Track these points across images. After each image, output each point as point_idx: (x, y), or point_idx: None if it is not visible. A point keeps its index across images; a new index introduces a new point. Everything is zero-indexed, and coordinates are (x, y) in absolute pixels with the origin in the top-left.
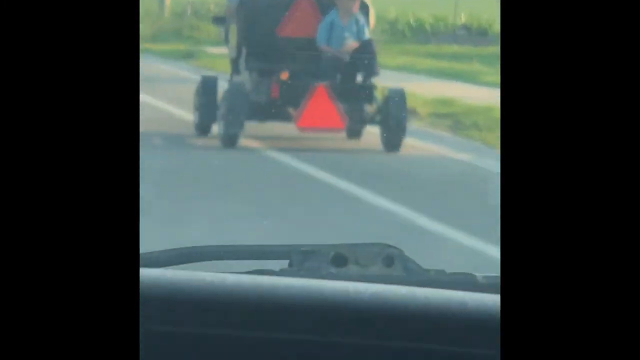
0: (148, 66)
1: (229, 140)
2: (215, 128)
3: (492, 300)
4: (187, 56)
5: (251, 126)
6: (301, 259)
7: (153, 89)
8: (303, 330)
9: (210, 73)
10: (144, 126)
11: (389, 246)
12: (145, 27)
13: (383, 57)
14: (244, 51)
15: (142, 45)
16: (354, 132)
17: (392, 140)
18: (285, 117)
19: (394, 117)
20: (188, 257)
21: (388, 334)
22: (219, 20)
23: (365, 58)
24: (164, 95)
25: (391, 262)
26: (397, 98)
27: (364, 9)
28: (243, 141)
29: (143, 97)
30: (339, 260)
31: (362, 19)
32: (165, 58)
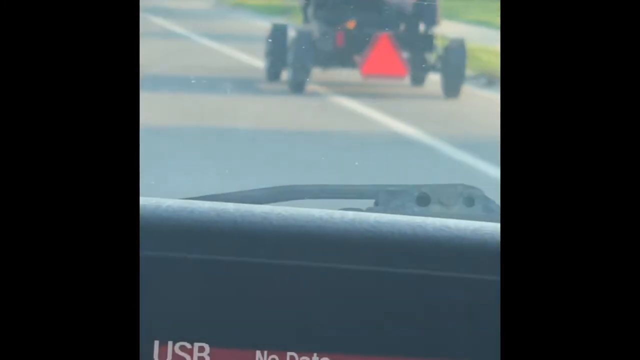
0: (243, 23)
1: (296, 86)
2: (285, 74)
3: (492, 227)
4: (283, 12)
5: (318, 72)
6: (387, 198)
7: (251, 48)
8: (304, 257)
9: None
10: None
11: (470, 187)
12: None
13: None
14: (312, 1)
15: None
16: (417, 79)
17: (452, 87)
18: (350, 65)
19: (454, 65)
20: (283, 195)
21: (388, 261)
22: None
23: (427, 8)
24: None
25: (472, 202)
26: (457, 47)
27: None
28: (310, 87)
29: (240, 55)
30: (423, 199)
31: None
32: (260, 13)
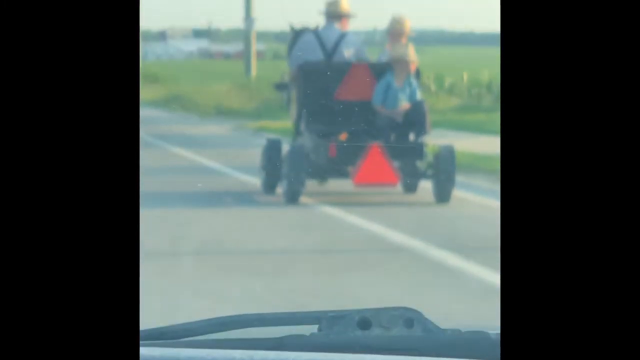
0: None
1: (292, 197)
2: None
3: None
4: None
5: (311, 183)
6: (330, 323)
7: None
8: None
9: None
10: None
11: (409, 309)
12: (242, 100)
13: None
14: (304, 114)
15: (255, 124)
16: (409, 187)
17: (443, 192)
18: (343, 175)
19: (444, 171)
20: (223, 325)
21: None
22: (280, 86)
23: (417, 118)
24: None
25: (411, 324)
26: (446, 154)
27: (417, 72)
28: (304, 198)
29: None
30: (364, 323)
31: (414, 82)
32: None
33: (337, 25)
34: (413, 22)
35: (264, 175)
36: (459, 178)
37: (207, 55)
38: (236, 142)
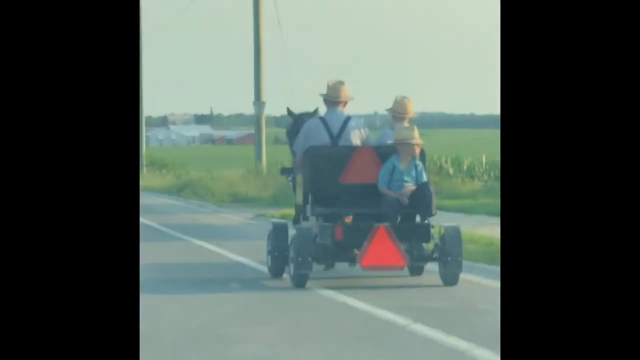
0: None
1: (299, 281)
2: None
3: None
4: None
5: (318, 266)
6: None
7: None
8: None
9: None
10: None
11: None
12: (258, 188)
13: None
14: (310, 198)
15: (275, 212)
16: (416, 269)
17: (450, 275)
18: (350, 258)
19: (451, 253)
20: None
21: None
22: (286, 170)
23: (423, 199)
24: None
25: None
26: (452, 235)
27: (422, 154)
28: (311, 282)
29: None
30: None
31: (420, 164)
32: None
33: (339, 109)
34: (417, 106)
35: (271, 259)
36: (486, 265)
37: (209, 140)
38: (258, 233)
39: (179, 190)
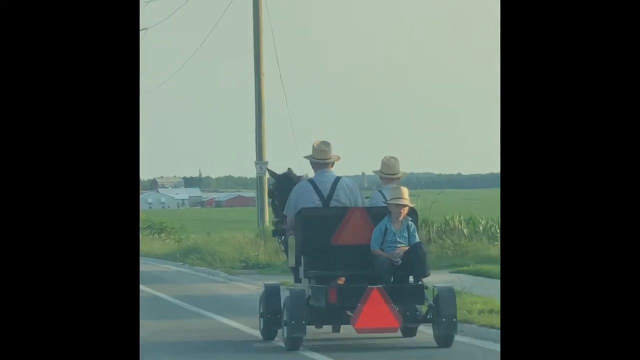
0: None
1: (293, 344)
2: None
3: None
4: None
5: (312, 328)
6: None
7: None
8: None
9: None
10: None
11: None
12: (269, 253)
13: None
14: (302, 260)
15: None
16: (409, 331)
17: (444, 337)
18: (344, 320)
19: (445, 315)
20: None
21: None
22: (277, 232)
23: (416, 260)
24: None
25: None
26: (446, 296)
27: (413, 214)
28: (305, 343)
29: None
30: None
31: (412, 225)
32: None
33: (328, 170)
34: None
35: (263, 322)
36: None
37: (198, 203)
38: None
39: (183, 255)
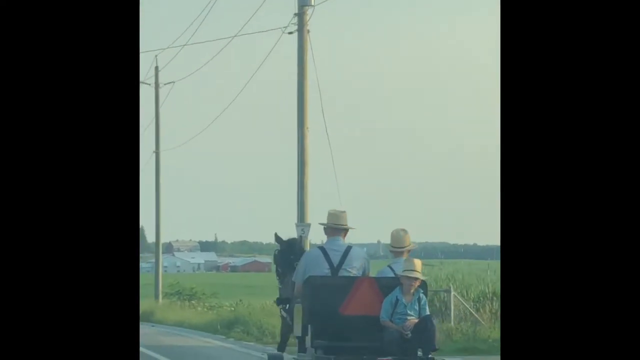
0: None
1: None
2: None
3: None
4: None
5: None
6: None
7: None
8: None
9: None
10: None
11: None
12: None
13: None
14: (309, 330)
15: None
16: None
17: None
18: None
19: None
20: None
21: None
22: (282, 301)
23: (425, 333)
24: None
25: None
26: None
27: (424, 286)
28: None
29: None
30: None
31: (423, 297)
32: None
33: (340, 239)
34: (416, 237)
35: None
36: None
37: (214, 267)
38: None
39: (225, 327)
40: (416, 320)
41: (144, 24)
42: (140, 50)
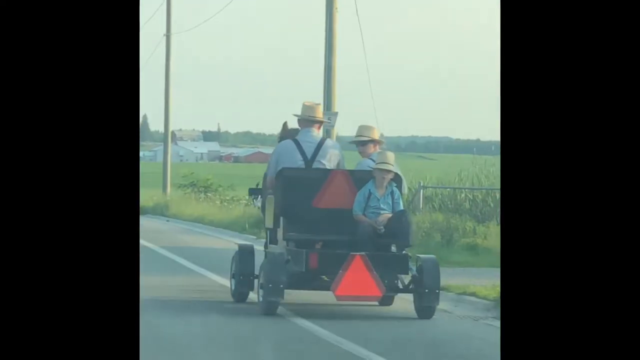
0: None
1: (269, 308)
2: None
3: None
4: None
5: (288, 293)
6: None
7: None
8: None
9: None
10: None
11: None
12: None
13: None
14: (281, 222)
15: None
16: (386, 300)
17: (425, 309)
18: (324, 286)
19: (428, 286)
20: None
21: None
22: (255, 191)
23: (400, 228)
24: None
25: None
26: (430, 267)
27: (399, 181)
28: (280, 308)
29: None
30: None
31: (397, 191)
32: None
33: (314, 131)
34: (419, 131)
35: (235, 283)
36: None
37: (216, 158)
38: None
39: (255, 227)
40: (390, 215)
41: None
42: None
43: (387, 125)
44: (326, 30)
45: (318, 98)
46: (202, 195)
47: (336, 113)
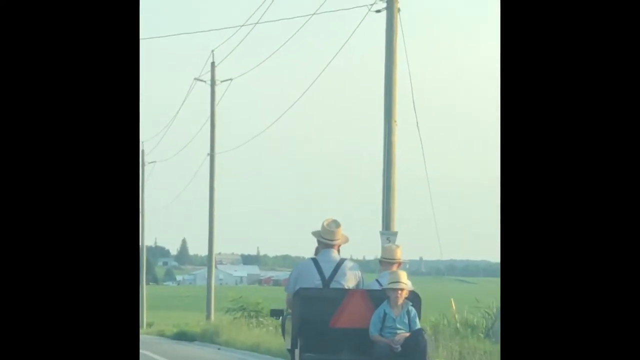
0: None
1: None
2: None
3: None
4: None
5: None
6: None
7: None
8: None
9: None
10: None
11: None
12: None
13: None
14: (299, 342)
15: None
16: None
17: None
18: None
19: None
20: None
21: None
22: (276, 312)
23: (416, 347)
24: None
25: None
26: None
27: (417, 300)
28: None
29: None
30: None
31: (413, 310)
32: None
33: (333, 252)
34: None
35: None
36: None
37: (256, 281)
38: None
39: None
40: (407, 335)
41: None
42: (196, 46)
43: (448, 247)
44: (384, 145)
45: (376, 222)
46: (254, 320)
47: (396, 232)
